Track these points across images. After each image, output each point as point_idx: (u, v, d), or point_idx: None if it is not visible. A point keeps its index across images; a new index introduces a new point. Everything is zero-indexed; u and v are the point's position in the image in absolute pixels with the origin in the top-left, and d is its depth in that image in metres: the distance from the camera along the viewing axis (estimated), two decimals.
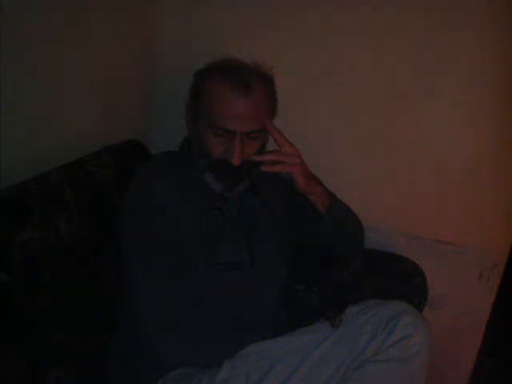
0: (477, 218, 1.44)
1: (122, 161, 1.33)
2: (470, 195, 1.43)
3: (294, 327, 1.18)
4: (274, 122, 1.18)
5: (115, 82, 1.43)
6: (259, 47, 1.44)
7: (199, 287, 1.13)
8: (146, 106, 1.60)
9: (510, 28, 1.30)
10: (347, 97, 1.47)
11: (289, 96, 1.25)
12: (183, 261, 1.12)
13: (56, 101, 1.20)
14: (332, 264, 1.42)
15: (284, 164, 1.14)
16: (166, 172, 1.19)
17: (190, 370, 1.13)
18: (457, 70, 1.36)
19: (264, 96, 1.15)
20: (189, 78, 1.21)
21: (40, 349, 1.04)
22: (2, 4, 0.98)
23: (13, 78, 1.06)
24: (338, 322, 1.13)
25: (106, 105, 1.40)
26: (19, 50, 1.06)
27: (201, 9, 1.52)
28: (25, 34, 1.07)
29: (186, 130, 1.26)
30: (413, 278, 1.39)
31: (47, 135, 1.20)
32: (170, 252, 1.12)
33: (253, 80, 1.13)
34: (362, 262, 1.41)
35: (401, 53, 1.38)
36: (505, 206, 1.41)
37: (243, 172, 1.15)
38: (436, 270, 1.45)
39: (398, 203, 1.50)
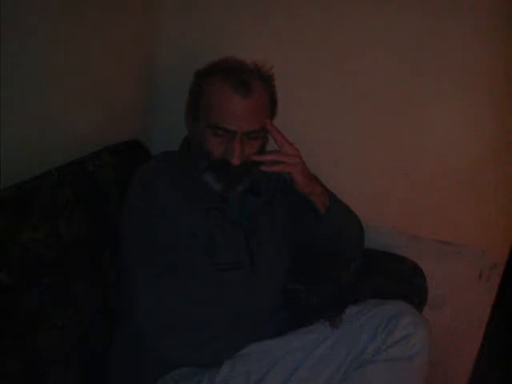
0: (477, 217, 1.44)
1: (121, 161, 1.33)
2: (470, 195, 1.43)
3: (293, 327, 1.18)
4: (274, 123, 1.18)
5: (115, 82, 1.43)
6: (259, 47, 1.44)
7: (199, 287, 1.13)
8: (145, 105, 1.60)
9: (511, 27, 1.29)
10: (347, 98, 1.46)
11: (289, 96, 1.25)
12: (183, 261, 1.12)
13: (56, 101, 1.20)
14: (332, 264, 1.42)
15: (284, 164, 1.14)
16: (166, 172, 1.19)
17: (189, 370, 1.13)
18: (456, 69, 1.36)
19: (264, 96, 1.15)
20: (189, 78, 1.21)
21: (40, 349, 1.04)
22: (1, 4, 0.98)
23: (12, 78, 1.06)
24: (338, 322, 1.13)
25: (106, 105, 1.40)
26: (19, 50, 1.06)
27: (201, 9, 1.51)
28: (25, 34, 1.07)
29: (186, 129, 1.25)
30: (413, 277, 1.39)
31: (47, 135, 1.20)
32: (169, 252, 1.13)
33: (253, 80, 1.13)
34: (362, 262, 1.41)
35: (401, 53, 1.38)
36: (505, 206, 1.41)
37: (243, 172, 1.15)
38: (436, 270, 1.45)
39: (398, 203, 1.50)
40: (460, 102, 1.38)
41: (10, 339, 0.99)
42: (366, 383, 1.08)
